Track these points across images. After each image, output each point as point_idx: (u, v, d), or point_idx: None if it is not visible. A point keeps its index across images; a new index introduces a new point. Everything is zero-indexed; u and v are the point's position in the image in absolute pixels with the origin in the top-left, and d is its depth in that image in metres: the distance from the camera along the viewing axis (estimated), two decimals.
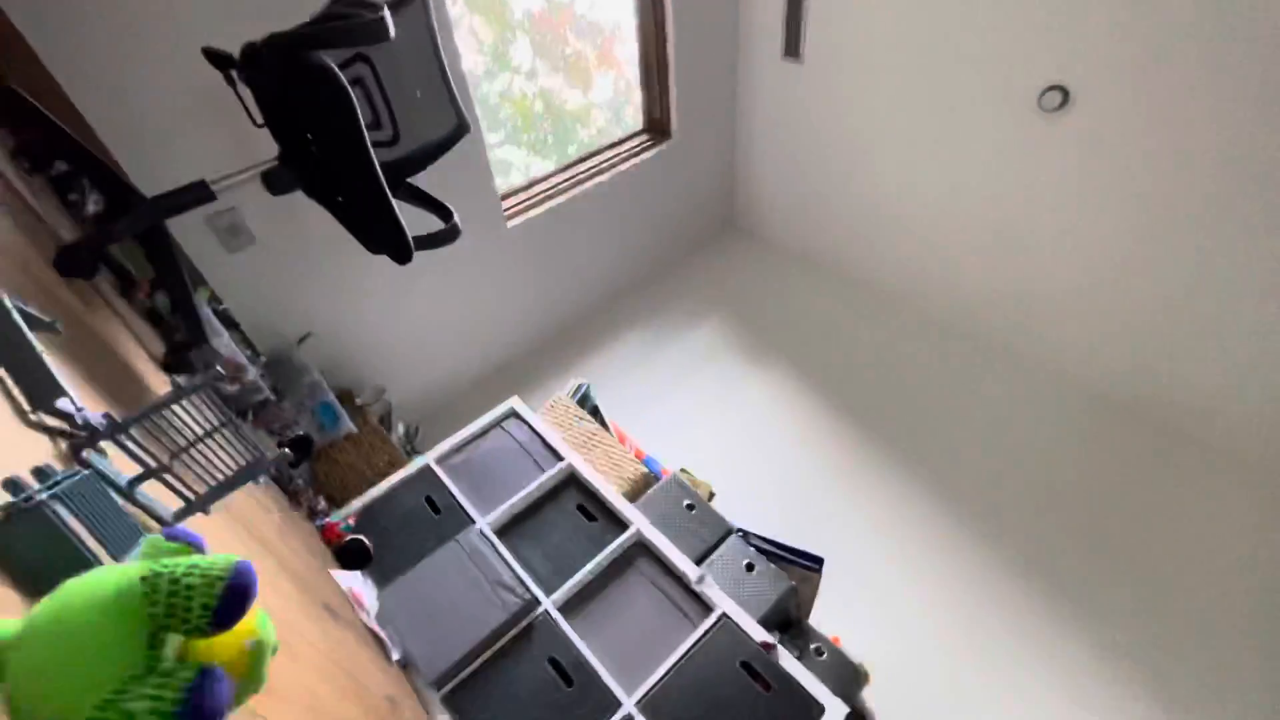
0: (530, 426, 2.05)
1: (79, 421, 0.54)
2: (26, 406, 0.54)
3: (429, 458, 1.97)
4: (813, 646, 1.64)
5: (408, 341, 2.48)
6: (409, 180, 1.65)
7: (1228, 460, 2.26)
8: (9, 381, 0.53)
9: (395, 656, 1.44)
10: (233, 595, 0.44)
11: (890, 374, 2.72)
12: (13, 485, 0.45)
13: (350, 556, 1.66)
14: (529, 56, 2.70)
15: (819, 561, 1.75)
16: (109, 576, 0.43)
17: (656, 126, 3.05)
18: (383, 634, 1.45)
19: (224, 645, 0.48)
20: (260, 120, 1.29)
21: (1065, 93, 2.09)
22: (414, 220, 1.45)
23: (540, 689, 1.45)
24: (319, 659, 0.87)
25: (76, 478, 0.48)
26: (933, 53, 2.34)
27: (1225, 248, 2.00)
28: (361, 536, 1.69)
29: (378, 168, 1.25)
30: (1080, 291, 2.41)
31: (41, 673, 0.40)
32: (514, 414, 2.11)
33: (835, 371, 2.75)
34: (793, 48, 2.76)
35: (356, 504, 1.84)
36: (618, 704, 1.41)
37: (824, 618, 1.83)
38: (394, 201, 1.34)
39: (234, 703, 0.47)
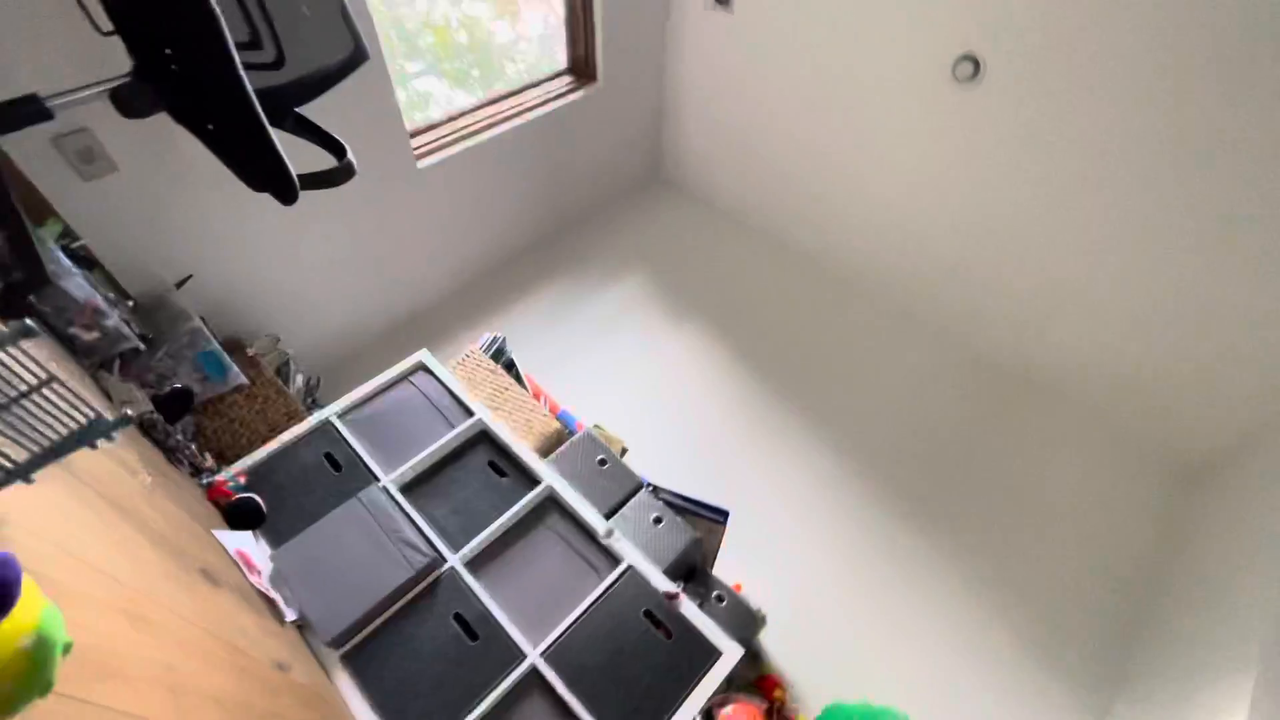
0: (440, 380, 1.98)
1: None
2: None
3: (330, 412, 1.87)
4: (714, 594, 1.71)
5: (305, 287, 2.31)
6: (298, 110, 1.49)
7: (1086, 413, 2.50)
8: None
9: (289, 618, 1.39)
10: None
11: (802, 333, 2.81)
12: None
13: (240, 516, 1.57)
14: None
15: (724, 514, 1.81)
16: None
17: (581, 69, 2.91)
18: (275, 596, 1.39)
19: None
20: (107, 27, 1.12)
21: (976, 63, 2.14)
22: (305, 155, 1.33)
23: (444, 645, 1.45)
24: (185, 630, 0.82)
25: None
26: (855, 18, 2.34)
27: (1106, 216, 2.16)
28: (253, 495, 1.60)
29: (251, 95, 1.12)
30: (982, 256, 2.55)
31: None
32: (422, 367, 2.02)
33: (750, 330, 2.81)
34: None
35: (248, 461, 1.72)
36: (522, 655, 1.42)
37: (728, 566, 1.91)
38: (275, 134, 1.21)
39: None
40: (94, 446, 0.62)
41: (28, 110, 1.04)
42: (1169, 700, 1.58)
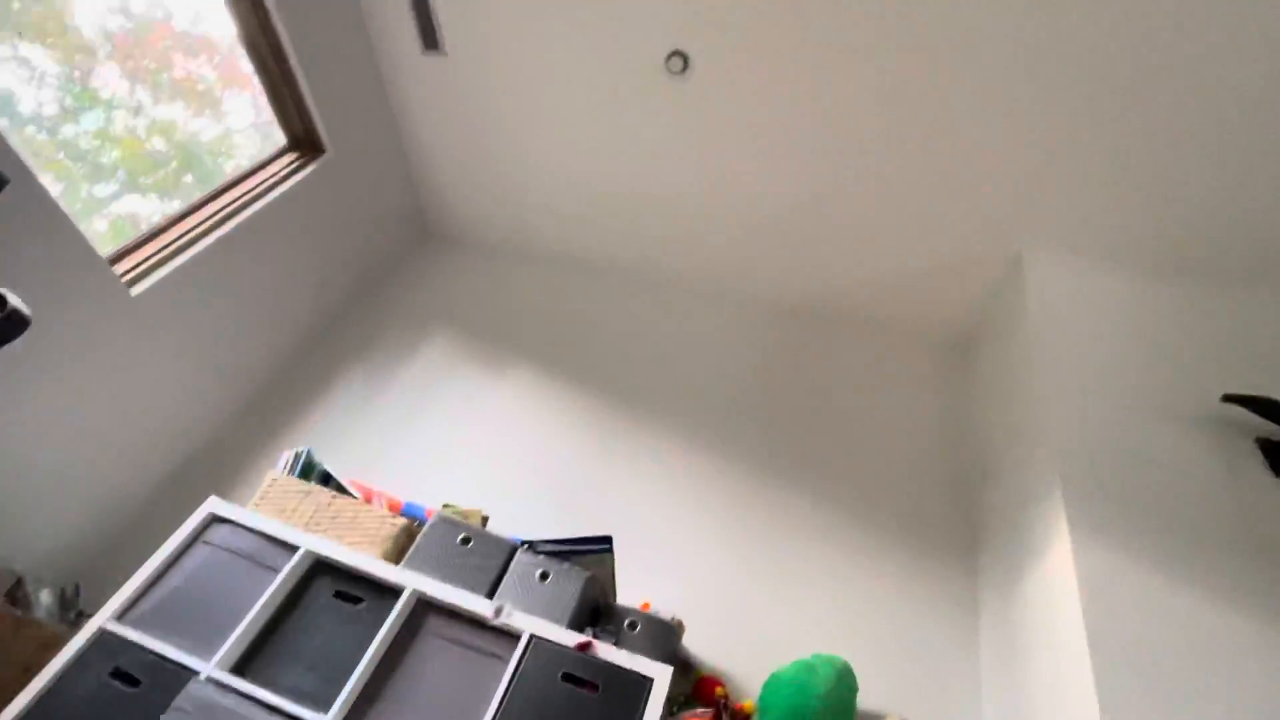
0: (244, 526, 1.66)
1: None
2: None
3: (103, 619, 1.47)
4: (626, 622, 1.64)
5: (30, 481, 1.81)
6: None
7: (911, 337, 2.86)
8: None
9: None
10: None
11: (619, 339, 2.86)
12: None
13: None
14: (124, 86, 2.12)
15: (607, 540, 1.75)
16: None
17: (303, 143, 2.67)
18: None
19: None
20: None
21: (685, 58, 2.34)
22: None
23: None
24: None
25: None
26: (566, 29, 2.43)
27: (828, 170, 2.48)
28: None
29: None
30: (740, 224, 2.79)
31: None
32: (216, 518, 1.68)
33: (569, 353, 2.79)
34: (430, 40, 2.62)
35: None
36: None
37: (631, 590, 1.85)
38: None
39: None
40: None
41: None
42: (1015, 552, 1.83)
